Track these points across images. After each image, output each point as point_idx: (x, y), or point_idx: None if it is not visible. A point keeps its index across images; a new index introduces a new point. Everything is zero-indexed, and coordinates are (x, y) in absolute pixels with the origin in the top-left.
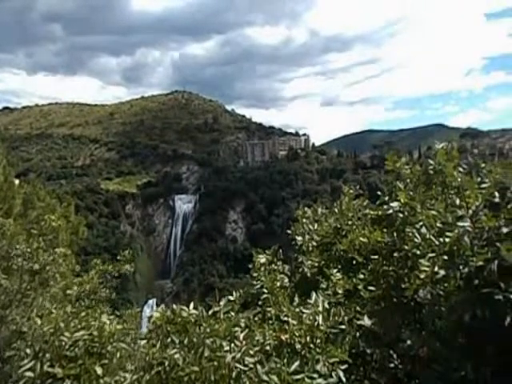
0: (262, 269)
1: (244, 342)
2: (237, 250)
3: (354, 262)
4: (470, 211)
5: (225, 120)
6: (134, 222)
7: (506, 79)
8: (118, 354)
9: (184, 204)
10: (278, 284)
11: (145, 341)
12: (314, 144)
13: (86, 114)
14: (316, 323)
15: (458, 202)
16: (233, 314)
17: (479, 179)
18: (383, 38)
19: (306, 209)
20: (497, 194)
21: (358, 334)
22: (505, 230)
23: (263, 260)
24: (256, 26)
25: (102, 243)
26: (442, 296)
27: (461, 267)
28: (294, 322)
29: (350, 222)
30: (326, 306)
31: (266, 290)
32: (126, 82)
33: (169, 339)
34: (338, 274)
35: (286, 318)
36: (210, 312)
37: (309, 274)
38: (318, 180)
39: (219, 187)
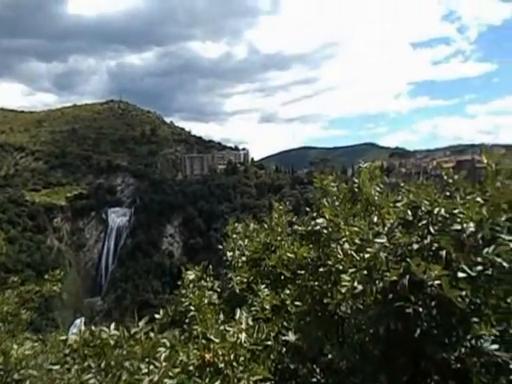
0: (191, 285)
1: (164, 363)
2: (173, 265)
3: (283, 277)
4: (386, 228)
5: (163, 132)
6: (63, 237)
7: (430, 104)
8: (28, 382)
9: (118, 217)
10: (206, 301)
11: (58, 366)
12: (253, 159)
13: (11, 120)
14: (239, 341)
15: (375, 219)
16: (153, 334)
17: (395, 198)
18: (320, 60)
19: (236, 224)
20: (409, 212)
21: (283, 349)
22: (415, 246)
23: (192, 276)
24: (197, 40)
25: (25, 259)
26: (361, 310)
27: (377, 282)
28: (217, 340)
29: (279, 238)
30: (250, 322)
31: (193, 308)
32: (57, 89)
33: (86, 363)
34: (265, 290)
35: (211, 337)
36: (132, 332)
37: (237, 290)
38: (256, 194)
39: (156, 200)
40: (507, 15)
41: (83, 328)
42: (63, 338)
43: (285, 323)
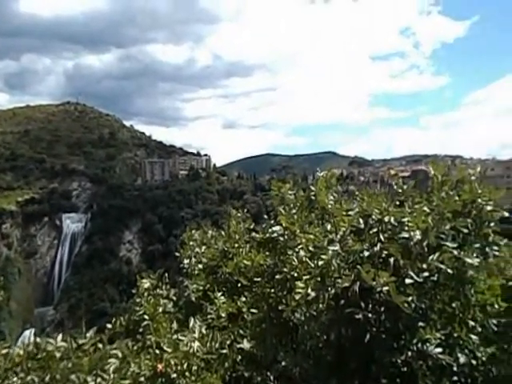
0: (146, 294)
1: (113, 375)
2: (131, 273)
3: (239, 284)
4: (339, 236)
5: (122, 136)
6: (12, 243)
7: (388, 115)
8: None
9: (73, 223)
10: (161, 310)
11: None
12: (215, 165)
13: None
14: (192, 350)
15: (329, 227)
16: (102, 345)
17: (348, 206)
18: (282, 68)
19: (193, 231)
20: (361, 220)
21: (239, 357)
22: (366, 253)
23: (147, 285)
24: (158, 43)
25: None
26: (314, 316)
27: (329, 288)
28: (169, 350)
29: (236, 245)
30: (204, 331)
31: (146, 317)
32: (8, 89)
33: (29, 377)
34: (222, 298)
35: (163, 346)
36: (79, 344)
37: (193, 298)
38: (218, 201)
39: (114, 206)
40: (459, 33)
41: (32, 340)
42: (4, 351)
43: (241, 331)
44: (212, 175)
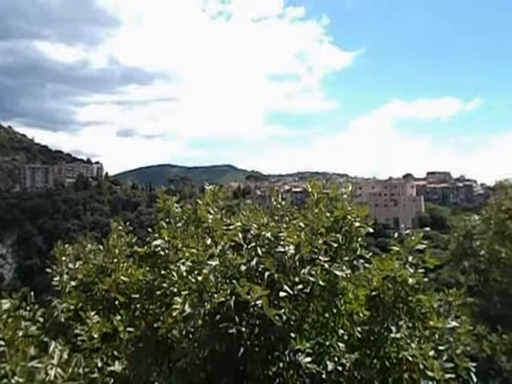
0: (5, 316)
1: None
2: (3, 291)
3: (117, 302)
4: (217, 250)
5: None
6: None
7: (283, 133)
8: None
9: None
10: (21, 333)
11: None
12: (107, 173)
13: None
14: (49, 378)
15: (209, 241)
16: None
17: (229, 221)
18: (183, 80)
19: (66, 246)
20: (240, 235)
21: (111, 380)
22: (243, 267)
23: (7, 305)
24: (48, 40)
25: None
26: (191, 333)
27: (206, 304)
28: (22, 380)
29: (115, 260)
30: (66, 355)
31: (3, 342)
32: None
33: None
34: (95, 317)
35: (14, 377)
36: None
37: (62, 319)
38: (109, 211)
39: None
40: (347, 63)
41: None
42: None
43: (115, 352)
44: (103, 184)
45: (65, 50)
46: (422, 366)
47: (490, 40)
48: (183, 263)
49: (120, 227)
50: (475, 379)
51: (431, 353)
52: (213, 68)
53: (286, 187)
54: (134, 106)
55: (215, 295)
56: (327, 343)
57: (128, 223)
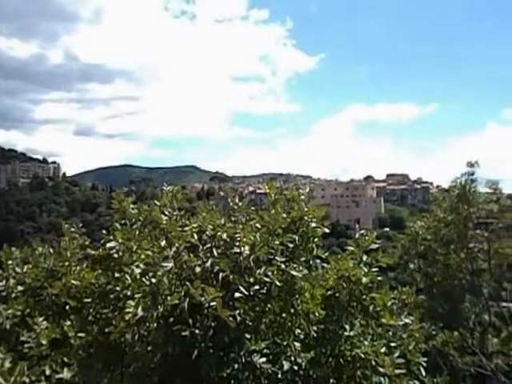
0: None
1: None
2: None
3: (68, 307)
4: (172, 252)
5: None
6: None
7: (246, 134)
8: None
9: None
10: None
11: None
12: (64, 174)
13: None
14: None
15: (163, 243)
16: None
17: (185, 222)
18: (145, 79)
19: (13, 249)
20: (196, 236)
21: None
22: (198, 269)
23: None
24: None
25: None
26: (144, 336)
27: (159, 307)
28: None
29: (66, 263)
30: (8, 364)
31: None
32: None
33: None
34: (44, 323)
35: None
36: None
37: (8, 326)
38: (67, 213)
39: None
40: (309, 66)
41: None
42: None
43: (65, 358)
44: (61, 185)
45: (20, 45)
46: (374, 363)
47: (445, 48)
48: (137, 266)
49: (72, 229)
50: (424, 373)
51: (383, 349)
52: (176, 68)
53: (251, 188)
54: (94, 105)
55: (169, 297)
56: (284, 343)
57: (81, 225)
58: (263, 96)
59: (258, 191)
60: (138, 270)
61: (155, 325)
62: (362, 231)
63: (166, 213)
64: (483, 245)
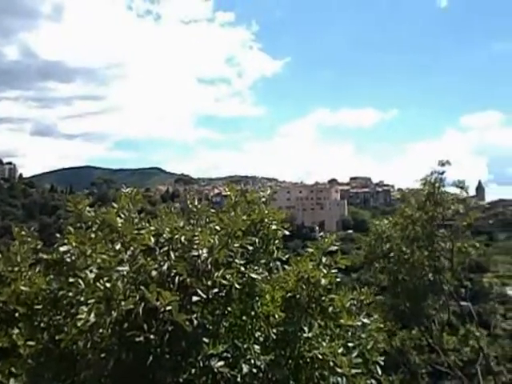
0: None
1: None
2: None
3: (17, 314)
4: (127, 255)
5: None
6: None
7: (212, 136)
8: None
9: None
10: None
11: None
12: (21, 175)
13: None
14: None
15: (118, 246)
16: None
17: (141, 225)
18: (108, 79)
19: None
20: (152, 239)
21: None
22: (154, 273)
23: None
24: None
25: None
26: (97, 343)
27: (113, 312)
28: None
29: (16, 269)
30: None
31: None
32: None
33: None
34: None
35: None
36: None
37: None
38: (23, 216)
39: None
40: (275, 70)
41: None
42: None
43: (13, 369)
44: (17, 186)
45: None
46: (331, 363)
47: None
48: (91, 270)
49: (23, 232)
50: (380, 372)
51: (340, 350)
52: (141, 68)
53: (216, 191)
54: (54, 104)
55: (123, 302)
56: (244, 346)
57: (33, 228)
58: (229, 98)
59: (224, 193)
60: (91, 275)
61: (109, 331)
62: (322, 233)
63: (122, 215)
64: (446, 244)
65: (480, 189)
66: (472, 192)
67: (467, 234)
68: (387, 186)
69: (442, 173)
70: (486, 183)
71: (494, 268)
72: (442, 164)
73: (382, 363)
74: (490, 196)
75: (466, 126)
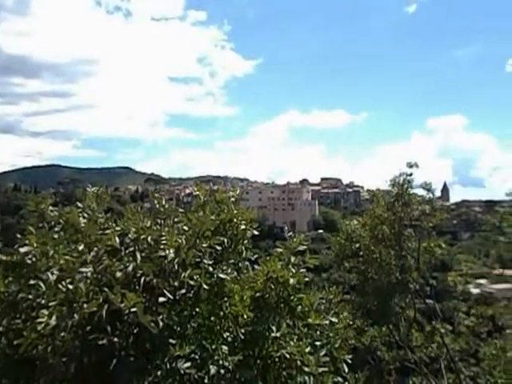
0: None
1: None
2: None
3: None
4: (91, 256)
5: None
6: None
7: (184, 136)
8: None
9: None
10: None
11: None
12: None
13: None
14: None
15: (81, 247)
16: None
17: (106, 225)
18: (76, 75)
19: None
20: (117, 239)
21: None
22: (119, 274)
23: None
24: None
25: None
26: (58, 347)
27: (75, 315)
28: None
29: None
30: None
31: None
32: None
33: None
34: None
35: None
36: None
37: None
38: None
39: None
40: (247, 70)
41: None
42: None
43: None
44: None
45: None
46: (299, 363)
47: (374, 60)
48: (52, 272)
49: None
50: (347, 370)
51: (308, 349)
52: (111, 65)
53: (187, 191)
54: (19, 100)
55: (85, 305)
56: (213, 347)
57: (0, 228)
58: (201, 98)
59: (195, 193)
60: (53, 277)
61: (71, 334)
62: (291, 233)
63: (86, 215)
64: (413, 243)
65: (445, 190)
66: (438, 193)
67: (433, 234)
68: (357, 186)
69: (410, 174)
70: (451, 184)
71: (458, 267)
72: (410, 166)
73: (350, 361)
74: (455, 197)
75: (432, 128)
